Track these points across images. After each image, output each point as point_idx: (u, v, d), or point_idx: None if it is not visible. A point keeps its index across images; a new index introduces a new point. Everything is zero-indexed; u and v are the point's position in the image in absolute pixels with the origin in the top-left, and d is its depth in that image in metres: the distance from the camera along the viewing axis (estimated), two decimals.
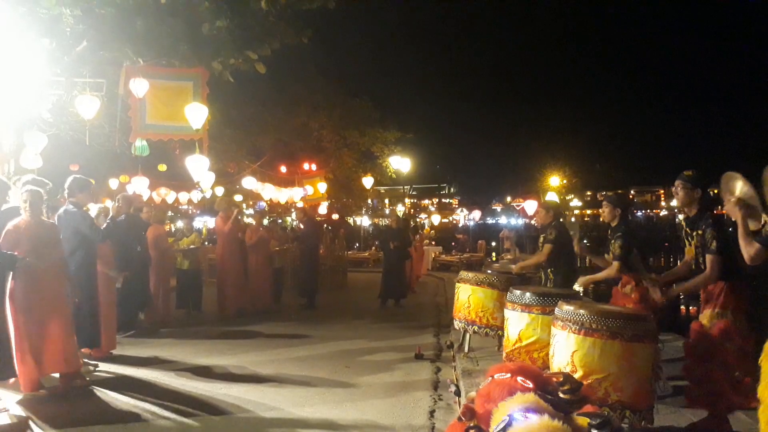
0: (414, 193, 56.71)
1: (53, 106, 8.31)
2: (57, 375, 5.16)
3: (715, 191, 3.83)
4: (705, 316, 4.00)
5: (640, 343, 3.43)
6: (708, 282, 4.05)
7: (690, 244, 4.27)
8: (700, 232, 4.13)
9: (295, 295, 10.99)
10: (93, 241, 5.80)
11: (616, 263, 5.05)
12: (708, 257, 4.03)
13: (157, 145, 10.09)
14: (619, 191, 70.79)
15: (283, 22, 8.17)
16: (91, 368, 5.85)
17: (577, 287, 5.73)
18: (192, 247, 9.90)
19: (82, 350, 5.81)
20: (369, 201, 28.31)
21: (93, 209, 6.93)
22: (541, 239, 6.69)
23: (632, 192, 73.24)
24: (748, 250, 3.01)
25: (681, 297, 5.02)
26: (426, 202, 66.72)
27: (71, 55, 7.51)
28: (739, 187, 3.32)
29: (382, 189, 33.17)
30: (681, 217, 4.46)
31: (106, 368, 5.95)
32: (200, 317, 9.39)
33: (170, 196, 15.90)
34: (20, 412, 4.57)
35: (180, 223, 12.69)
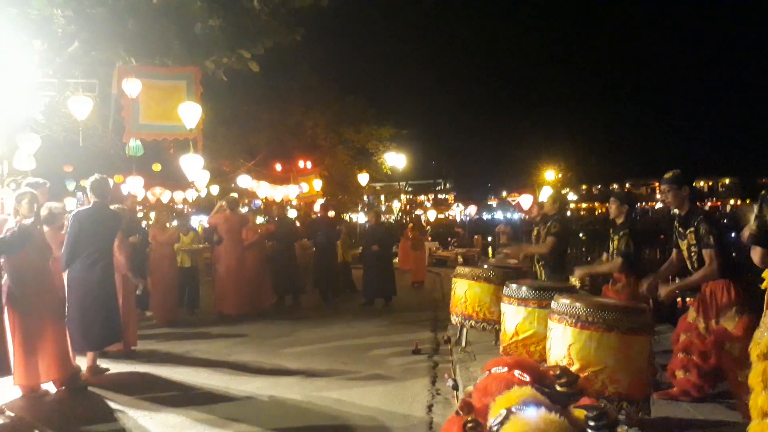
0: (410, 189, 56.61)
1: (46, 108, 8.29)
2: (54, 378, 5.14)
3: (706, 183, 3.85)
4: (727, 321, 3.94)
5: (637, 335, 3.45)
6: (709, 276, 4.03)
7: (683, 243, 4.26)
8: (692, 229, 4.12)
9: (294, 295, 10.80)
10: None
11: (620, 259, 4.95)
12: (705, 252, 4.03)
13: (152, 145, 10.05)
14: (613, 186, 70.90)
15: (276, 21, 8.14)
16: (102, 370, 5.80)
17: (573, 279, 5.67)
18: (197, 246, 9.96)
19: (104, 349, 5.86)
20: (365, 198, 28.26)
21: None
22: (539, 230, 6.61)
23: (627, 185, 73.19)
24: (754, 258, 2.92)
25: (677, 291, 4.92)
26: (422, 197, 66.70)
27: (63, 56, 7.48)
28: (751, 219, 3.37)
29: (377, 186, 33.11)
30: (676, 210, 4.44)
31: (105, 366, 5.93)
32: (198, 315, 9.38)
33: (165, 196, 15.87)
34: (16, 412, 4.57)
35: (174, 222, 12.71)
